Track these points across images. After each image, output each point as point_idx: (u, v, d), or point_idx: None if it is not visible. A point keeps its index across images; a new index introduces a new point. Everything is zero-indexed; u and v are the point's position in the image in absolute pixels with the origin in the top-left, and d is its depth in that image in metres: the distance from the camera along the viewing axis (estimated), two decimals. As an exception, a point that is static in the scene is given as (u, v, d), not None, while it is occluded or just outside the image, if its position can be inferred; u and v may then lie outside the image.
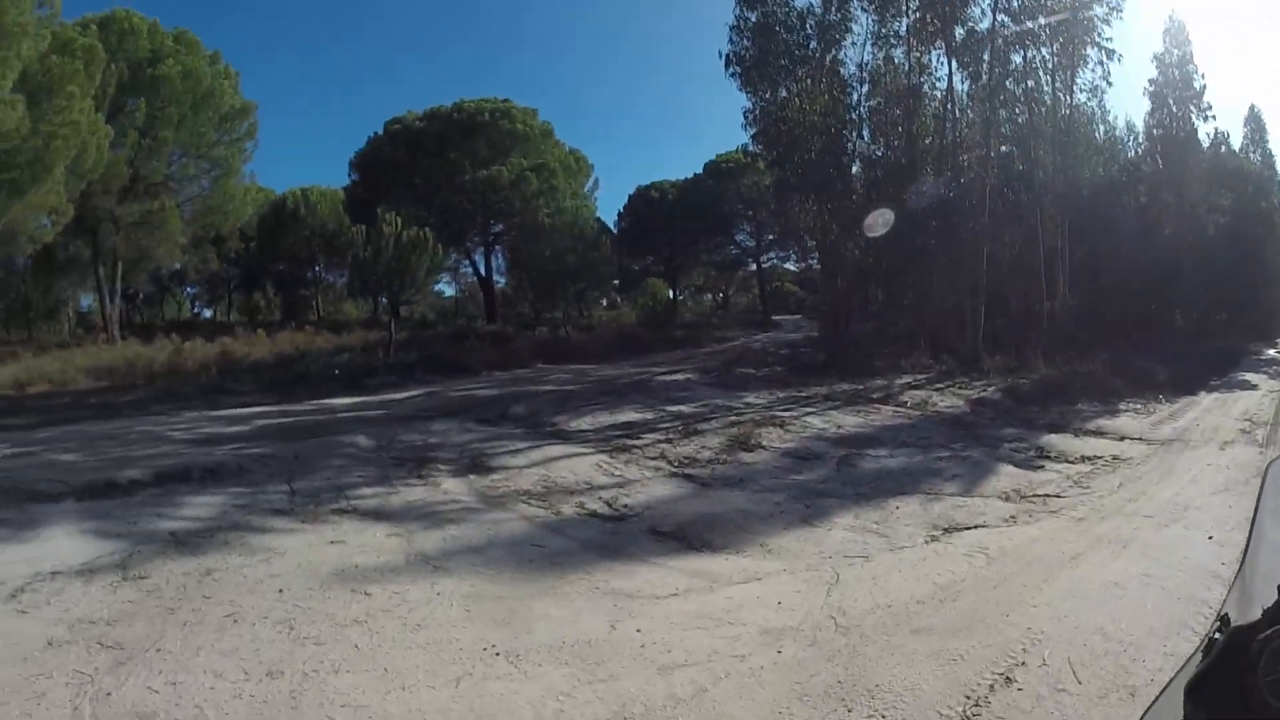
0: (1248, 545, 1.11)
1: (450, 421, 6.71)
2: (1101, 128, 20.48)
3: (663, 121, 63.51)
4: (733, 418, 7.73)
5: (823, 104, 14.95)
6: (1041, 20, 14.84)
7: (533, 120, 25.97)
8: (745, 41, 15.38)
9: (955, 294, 14.73)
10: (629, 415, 7.53)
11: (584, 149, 28.11)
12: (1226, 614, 0.85)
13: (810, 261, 27.91)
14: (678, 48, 60.49)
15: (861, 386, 10.19)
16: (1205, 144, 23.10)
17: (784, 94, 15.30)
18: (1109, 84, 17.29)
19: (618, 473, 5.43)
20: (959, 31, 14.74)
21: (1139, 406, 9.23)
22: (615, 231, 30.44)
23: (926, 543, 4.07)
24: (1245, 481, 4.98)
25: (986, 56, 14.66)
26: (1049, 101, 16.92)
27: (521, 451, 5.89)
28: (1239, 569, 1.11)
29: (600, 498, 4.78)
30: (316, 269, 31.08)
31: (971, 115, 15.55)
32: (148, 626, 2.97)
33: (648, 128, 62.43)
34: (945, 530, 4.28)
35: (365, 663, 2.57)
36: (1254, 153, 26.52)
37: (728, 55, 15.49)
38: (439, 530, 3.94)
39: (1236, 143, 25.80)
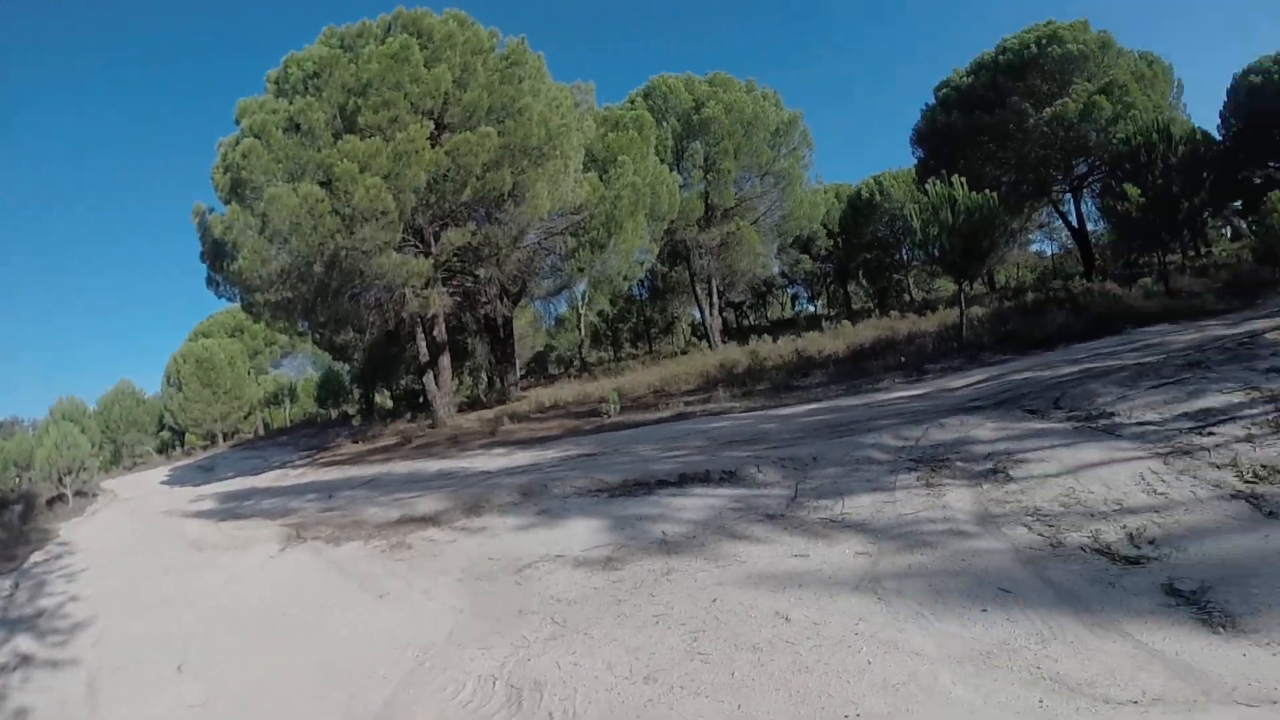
0: None
1: (993, 414, 5.93)
2: None
3: None
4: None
5: None
6: None
7: (1084, 35, 20.71)
8: None
9: None
10: (1210, 399, 5.14)
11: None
12: None
13: None
14: None
15: None
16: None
17: None
18: None
19: (1161, 489, 3.75)
20: None
21: None
22: (1221, 140, 20.70)
23: None
24: None
25: None
26: None
27: (1054, 454, 4.62)
28: None
29: (1123, 527, 3.41)
30: (902, 252, 30.89)
31: None
32: (593, 612, 3.41)
33: None
34: None
35: (723, 692, 2.52)
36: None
37: None
38: (908, 556, 3.44)
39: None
